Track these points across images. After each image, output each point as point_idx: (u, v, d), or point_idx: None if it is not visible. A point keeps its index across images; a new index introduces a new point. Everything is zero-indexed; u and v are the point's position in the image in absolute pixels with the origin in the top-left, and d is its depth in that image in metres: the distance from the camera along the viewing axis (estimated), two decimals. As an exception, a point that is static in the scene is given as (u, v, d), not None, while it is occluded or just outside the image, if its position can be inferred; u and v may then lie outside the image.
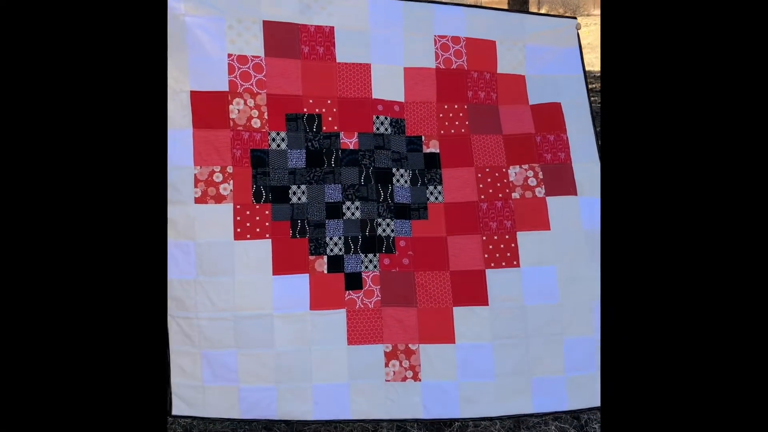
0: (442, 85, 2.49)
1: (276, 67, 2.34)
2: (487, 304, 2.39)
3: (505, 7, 3.11)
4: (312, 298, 2.33)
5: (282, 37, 2.35)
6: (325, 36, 2.40)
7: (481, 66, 2.55)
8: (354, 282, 2.38)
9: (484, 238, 2.43)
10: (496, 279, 2.41)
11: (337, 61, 2.41)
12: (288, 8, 2.37)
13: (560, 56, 2.61)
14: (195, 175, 2.25)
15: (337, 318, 2.35)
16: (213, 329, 2.25)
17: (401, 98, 2.46)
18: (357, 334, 2.35)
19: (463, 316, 2.39)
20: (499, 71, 2.56)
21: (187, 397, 2.26)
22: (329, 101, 2.39)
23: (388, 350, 2.36)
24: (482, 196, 2.46)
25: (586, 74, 2.63)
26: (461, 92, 2.51)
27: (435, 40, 2.50)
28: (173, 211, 2.22)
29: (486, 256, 2.42)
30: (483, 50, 2.55)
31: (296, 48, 2.36)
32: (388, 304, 2.38)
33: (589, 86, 2.64)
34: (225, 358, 2.26)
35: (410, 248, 2.41)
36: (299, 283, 2.33)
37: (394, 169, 2.44)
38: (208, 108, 2.26)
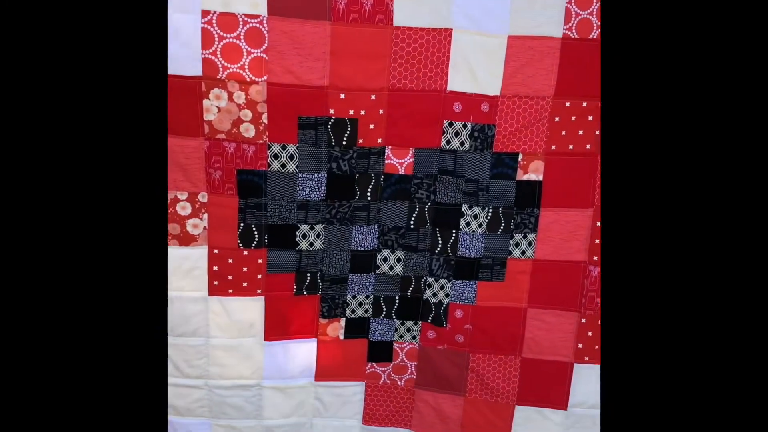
0: (569, 66, 1.46)
1: (286, 35, 1.35)
2: (565, 408, 1.67)
3: None
4: (319, 368, 1.66)
5: (300, -19, 1.32)
6: (378, -24, 1.35)
7: (644, 32, 1.47)
8: (381, 352, 1.67)
9: (584, 320, 1.61)
10: (585, 378, 1.65)
11: (395, 24, 1.38)
12: None
13: None
14: (149, 204, 1.43)
15: (353, 391, 1.70)
16: (179, 397, 1.64)
17: (496, 90, 1.47)
18: (376, 414, 1.72)
19: (526, 417, 1.69)
20: (671, 42, 1.48)
21: None
22: (374, 96, 1.43)
23: (415, 443, 1.73)
24: (594, 257, 1.58)
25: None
26: (598, 80, 1.48)
27: (569, -13, 1.41)
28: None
29: (580, 345, 1.63)
30: (653, 3, 1.45)
31: (324, 1, 1.34)
32: (425, 387, 1.69)
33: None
34: (196, 428, 1.67)
35: (469, 320, 1.63)
36: (302, 351, 1.64)
37: (465, 207, 1.55)
38: (170, 102, 1.35)
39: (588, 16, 1.42)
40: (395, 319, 1.63)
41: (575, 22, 1.42)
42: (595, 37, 1.44)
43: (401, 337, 1.65)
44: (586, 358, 1.64)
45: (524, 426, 1.70)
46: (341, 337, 1.63)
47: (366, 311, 1.62)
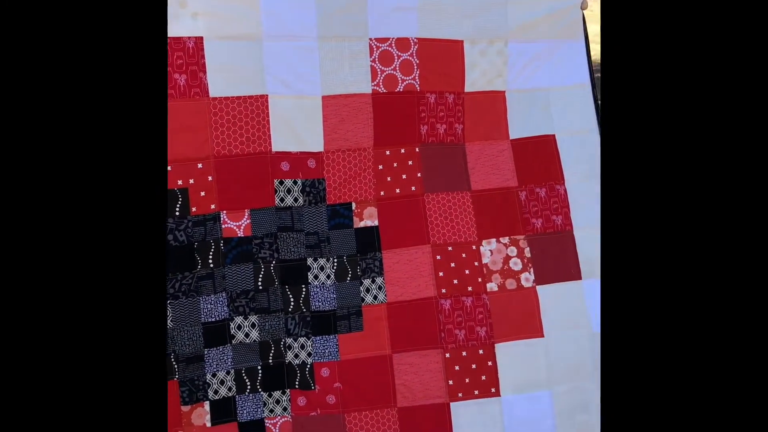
0: (383, 119, 1.61)
1: (104, 115, 1.40)
2: (453, 453, 1.64)
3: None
4: (189, 465, 1.54)
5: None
6: (188, 54, 1.46)
7: (442, 83, 1.66)
8: (254, 434, 1.59)
9: (448, 355, 1.64)
10: (465, 416, 1.64)
11: (211, 95, 1.48)
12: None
13: (558, 57, 1.72)
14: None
15: (229, 488, 1.58)
16: None
17: (318, 147, 1.58)
18: None
19: (416, 472, 1.64)
20: (467, 89, 1.68)
21: None
22: (200, 165, 1.49)
23: None
24: (443, 290, 1.64)
25: (595, 83, 1.77)
26: (411, 128, 1.64)
27: (371, 47, 1.59)
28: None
29: (450, 382, 1.64)
30: (444, 57, 1.66)
31: (138, 79, 1.42)
32: (307, 464, 1.61)
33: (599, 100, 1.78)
34: None
35: (337, 378, 1.61)
36: (168, 447, 1.52)
37: (309, 260, 1.59)
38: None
39: (392, 72, 1.60)
40: (262, 392, 1.58)
41: (381, 78, 1.59)
42: (402, 90, 1.61)
43: (272, 411, 1.59)
44: (460, 395, 1.64)
45: (414, 481, 1.64)
46: (208, 424, 1.55)
47: (230, 389, 1.56)
